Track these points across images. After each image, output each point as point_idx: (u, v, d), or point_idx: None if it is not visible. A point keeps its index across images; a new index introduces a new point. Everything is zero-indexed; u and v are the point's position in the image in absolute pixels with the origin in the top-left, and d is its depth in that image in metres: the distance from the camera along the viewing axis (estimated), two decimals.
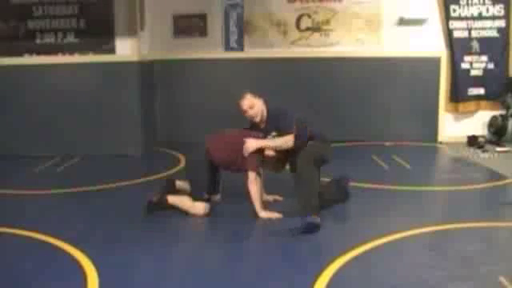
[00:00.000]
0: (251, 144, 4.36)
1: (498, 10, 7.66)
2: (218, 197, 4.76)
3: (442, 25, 7.71)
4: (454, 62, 7.74)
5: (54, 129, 6.94)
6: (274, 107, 4.54)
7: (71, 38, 6.89)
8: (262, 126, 4.57)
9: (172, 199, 4.56)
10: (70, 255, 3.60)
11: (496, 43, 7.70)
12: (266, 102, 4.57)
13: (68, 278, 3.28)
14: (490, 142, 7.53)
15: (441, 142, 7.77)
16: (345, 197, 4.72)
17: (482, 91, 7.82)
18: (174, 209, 4.51)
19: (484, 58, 7.74)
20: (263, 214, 4.36)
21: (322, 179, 4.67)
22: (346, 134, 7.66)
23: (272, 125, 4.48)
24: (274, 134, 4.48)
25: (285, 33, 7.88)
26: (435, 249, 3.77)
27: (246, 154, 4.36)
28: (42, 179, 5.94)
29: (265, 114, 4.53)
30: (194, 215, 4.43)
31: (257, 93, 4.60)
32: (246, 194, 4.38)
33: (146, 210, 4.51)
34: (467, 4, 7.66)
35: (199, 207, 4.45)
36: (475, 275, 3.27)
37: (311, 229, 3.96)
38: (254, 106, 4.47)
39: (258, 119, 4.52)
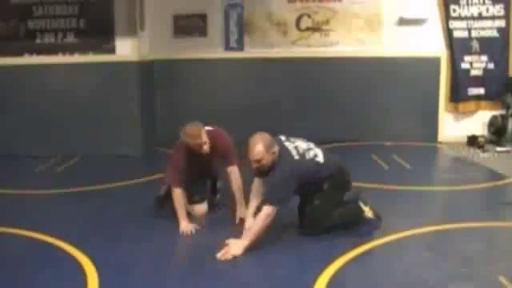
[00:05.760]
0: (237, 251, 3.64)
1: (498, 9, 7.65)
2: (217, 196, 4.77)
3: (441, 25, 7.71)
4: (454, 62, 7.74)
5: (54, 129, 6.93)
6: (280, 166, 3.76)
7: (71, 38, 6.89)
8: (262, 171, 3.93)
9: None
10: (70, 255, 3.60)
11: (496, 43, 7.70)
12: (276, 153, 3.80)
13: (68, 278, 3.28)
14: (490, 141, 7.53)
15: (441, 142, 7.77)
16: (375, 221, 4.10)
17: (481, 91, 7.82)
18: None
19: (484, 58, 7.74)
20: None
21: None
22: (346, 134, 7.66)
23: (267, 180, 3.89)
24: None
25: (285, 33, 7.88)
26: (435, 249, 3.77)
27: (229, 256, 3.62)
28: (42, 179, 5.94)
29: (270, 163, 3.81)
30: (194, 215, 4.43)
31: (270, 139, 3.80)
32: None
33: (157, 205, 4.54)
34: (467, 4, 7.65)
35: (197, 209, 4.46)
36: (475, 275, 3.27)
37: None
38: (261, 160, 3.75)
39: (262, 171, 3.88)
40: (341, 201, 4.03)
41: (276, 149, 3.79)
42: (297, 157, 3.81)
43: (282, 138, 3.99)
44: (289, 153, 3.82)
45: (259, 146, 3.71)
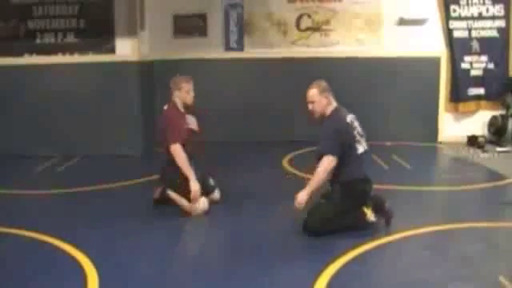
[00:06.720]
0: (302, 199, 3.99)
1: (498, 9, 7.66)
2: (216, 195, 4.76)
3: (442, 25, 7.71)
4: (454, 62, 7.74)
5: (54, 129, 6.93)
6: (331, 120, 4.11)
7: (71, 38, 6.89)
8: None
9: (172, 195, 4.52)
10: (69, 255, 3.60)
11: (496, 43, 7.70)
12: (329, 99, 4.14)
13: (68, 278, 3.28)
14: (490, 141, 7.53)
15: (441, 142, 7.77)
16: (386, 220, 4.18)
17: (481, 91, 7.82)
18: (177, 205, 4.50)
19: (484, 58, 7.74)
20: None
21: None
22: None
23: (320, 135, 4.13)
24: None
25: (285, 33, 7.88)
26: (435, 249, 3.77)
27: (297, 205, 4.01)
28: (42, 179, 5.94)
29: (326, 113, 4.15)
30: (194, 212, 4.42)
31: (329, 90, 4.18)
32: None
33: (154, 206, 4.60)
34: (467, 4, 7.66)
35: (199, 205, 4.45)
36: (475, 275, 3.27)
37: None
38: (314, 102, 4.13)
39: (315, 116, 4.17)
40: (347, 211, 4.01)
41: (330, 95, 4.15)
42: (349, 120, 4.11)
43: (350, 114, 4.20)
44: (343, 113, 4.14)
45: (314, 90, 4.14)
